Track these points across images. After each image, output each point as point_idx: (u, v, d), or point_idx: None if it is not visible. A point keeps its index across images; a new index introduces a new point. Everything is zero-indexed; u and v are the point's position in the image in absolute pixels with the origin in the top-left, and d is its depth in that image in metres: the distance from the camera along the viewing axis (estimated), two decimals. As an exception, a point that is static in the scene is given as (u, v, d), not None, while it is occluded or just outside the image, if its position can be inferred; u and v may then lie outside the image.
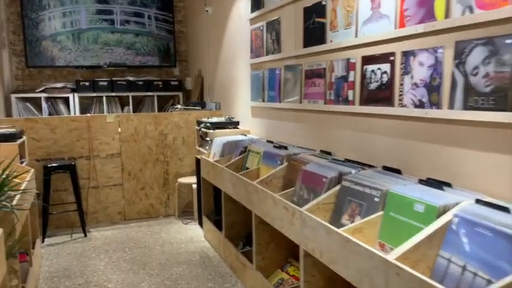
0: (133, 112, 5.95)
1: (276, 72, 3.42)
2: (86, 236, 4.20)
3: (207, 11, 5.03)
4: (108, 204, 4.63)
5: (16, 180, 2.70)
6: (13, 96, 5.50)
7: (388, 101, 2.17)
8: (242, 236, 3.40)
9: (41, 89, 5.65)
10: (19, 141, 3.59)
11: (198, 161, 4.33)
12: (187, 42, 6.45)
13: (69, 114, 5.72)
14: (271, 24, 3.48)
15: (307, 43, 2.93)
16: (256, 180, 2.72)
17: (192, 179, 4.54)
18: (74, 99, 5.74)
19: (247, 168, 3.18)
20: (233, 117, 4.33)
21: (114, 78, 5.96)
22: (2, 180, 2.19)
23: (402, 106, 2.07)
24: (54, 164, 4.14)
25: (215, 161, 3.62)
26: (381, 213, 1.78)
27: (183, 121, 4.82)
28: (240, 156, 3.40)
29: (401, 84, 2.07)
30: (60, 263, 3.53)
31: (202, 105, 5.23)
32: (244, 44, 4.12)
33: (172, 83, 6.13)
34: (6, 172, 2.25)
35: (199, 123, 4.45)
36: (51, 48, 5.76)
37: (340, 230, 1.74)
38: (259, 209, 2.61)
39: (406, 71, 2.04)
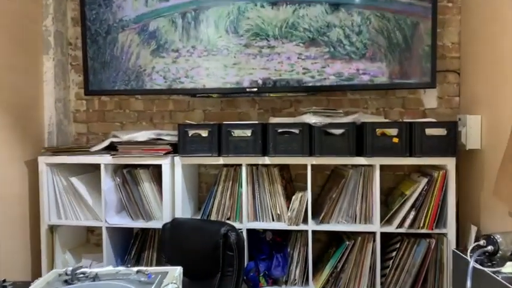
0: (318, 216, 2.18)
1: None
2: None
3: None
4: None
5: None
6: (42, 162, 2.36)
7: None
8: None
9: (104, 144, 2.38)
10: None
11: None
12: (466, 25, 2.42)
13: (161, 209, 2.29)
14: None
15: None
16: None
17: None
18: (174, 169, 2.28)
19: None
20: None
21: (272, 121, 2.31)
22: None
23: None
24: None
25: None
26: None
27: None
28: None
29: None
30: None
31: None
32: None
33: (427, 131, 2.13)
34: None
35: None
36: (136, 49, 2.49)
37: None
38: None
39: None
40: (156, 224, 2.31)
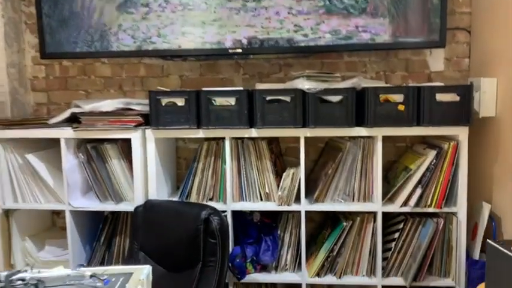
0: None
1: None
2: None
3: None
4: None
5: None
6: (-11, 137, 2.04)
7: None
8: None
9: (64, 115, 2.06)
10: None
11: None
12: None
13: (133, 189, 1.99)
14: None
15: None
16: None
17: None
18: (146, 144, 1.98)
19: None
20: None
21: (260, 88, 2.02)
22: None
23: None
24: None
25: None
26: None
27: None
28: None
29: None
30: None
31: None
32: None
33: (438, 96, 1.86)
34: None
35: None
36: (100, 3, 2.13)
37: None
38: None
39: None
40: (128, 206, 2.02)
